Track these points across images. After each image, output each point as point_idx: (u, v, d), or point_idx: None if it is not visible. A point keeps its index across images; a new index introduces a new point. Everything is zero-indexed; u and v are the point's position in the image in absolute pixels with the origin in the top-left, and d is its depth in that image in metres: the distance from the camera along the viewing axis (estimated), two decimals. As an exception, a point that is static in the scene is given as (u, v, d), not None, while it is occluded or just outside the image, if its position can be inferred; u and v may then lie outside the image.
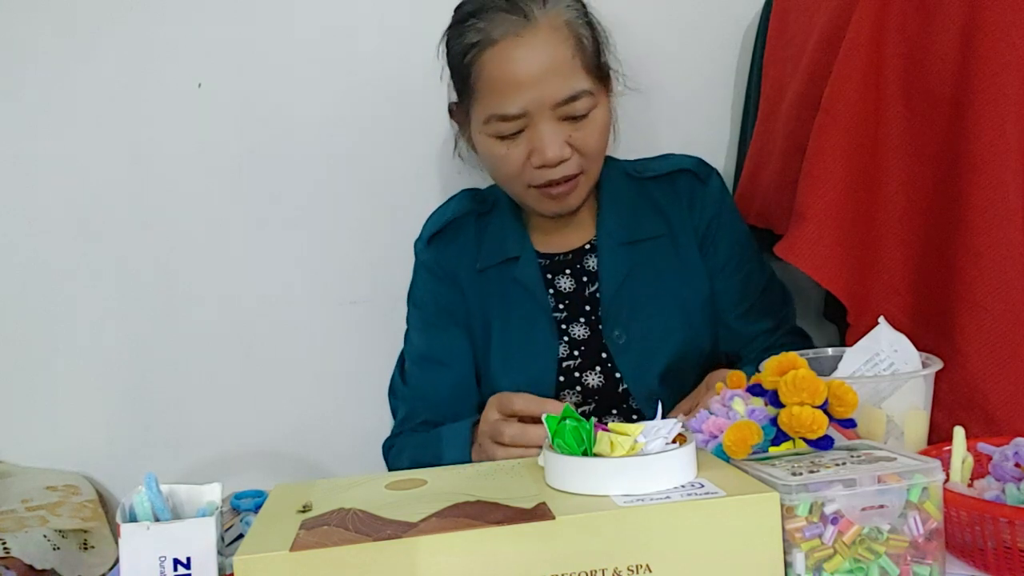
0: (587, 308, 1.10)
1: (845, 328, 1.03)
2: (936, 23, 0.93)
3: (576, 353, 1.09)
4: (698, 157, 1.15)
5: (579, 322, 1.09)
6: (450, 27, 1.05)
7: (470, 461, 0.97)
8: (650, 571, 0.58)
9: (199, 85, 1.30)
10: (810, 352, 0.89)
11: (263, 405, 1.34)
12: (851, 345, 0.86)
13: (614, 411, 1.09)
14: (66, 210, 1.30)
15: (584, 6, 1.04)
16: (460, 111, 1.09)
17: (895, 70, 0.98)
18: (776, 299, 1.15)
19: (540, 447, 0.87)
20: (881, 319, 0.86)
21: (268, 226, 1.32)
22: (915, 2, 0.95)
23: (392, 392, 1.23)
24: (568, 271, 1.11)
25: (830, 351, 0.90)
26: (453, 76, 1.06)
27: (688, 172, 1.12)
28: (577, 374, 1.08)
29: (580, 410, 1.09)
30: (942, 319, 0.95)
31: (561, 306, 1.10)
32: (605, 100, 1.05)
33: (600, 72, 1.04)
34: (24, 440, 1.31)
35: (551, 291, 1.10)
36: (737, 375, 0.79)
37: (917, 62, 0.96)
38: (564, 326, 1.09)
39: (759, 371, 0.78)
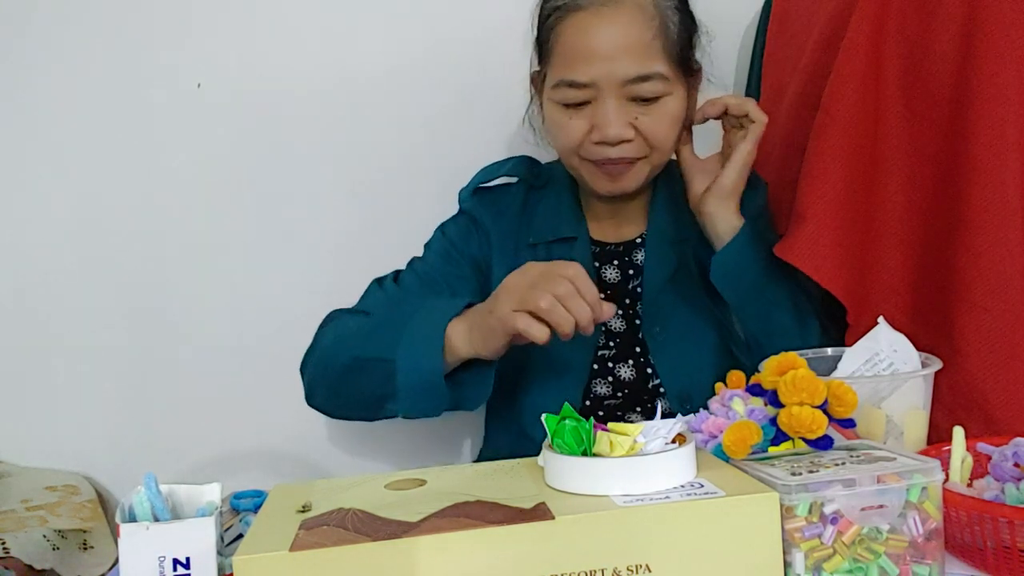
0: (627, 301, 1.09)
1: (845, 328, 1.03)
2: (936, 23, 0.93)
3: (612, 344, 1.07)
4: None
5: (617, 315, 1.08)
6: None
7: (439, 333, 0.90)
8: (649, 571, 0.58)
9: (199, 85, 1.30)
10: (810, 352, 0.89)
11: (263, 405, 1.34)
12: (851, 345, 0.86)
13: (638, 408, 1.06)
14: (66, 210, 1.30)
15: None
16: (538, 78, 1.08)
17: (895, 70, 0.98)
18: (805, 302, 1.09)
19: (576, 329, 0.84)
20: (880, 319, 0.86)
21: (268, 226, 1.32)
22: (915, 2, 0.95)
23: (377, 281, 1.13)
24: (616, 262, 1.10)
25: (830, 351, 0.90)
26: (538, 38, 1.05)
27: None
28: (611, 364, 1.07)
29: (607, 403, 1.06)
30: (941, 319, 0.95)
31: (603, 296, 1.05)
32: (682, 91, 1.03)
33: (683, 62, 1.03)
34: (24, 440, 1.31)
35: (595, 279, 1.06)
36: (737, 375, 0.80)
37: (917, 62, 0.96)
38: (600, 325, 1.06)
39: (759, 370, 0.78)
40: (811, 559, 0.59)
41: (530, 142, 1.16)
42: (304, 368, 1.07)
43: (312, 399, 1.07)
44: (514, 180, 1.14)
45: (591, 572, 0.57)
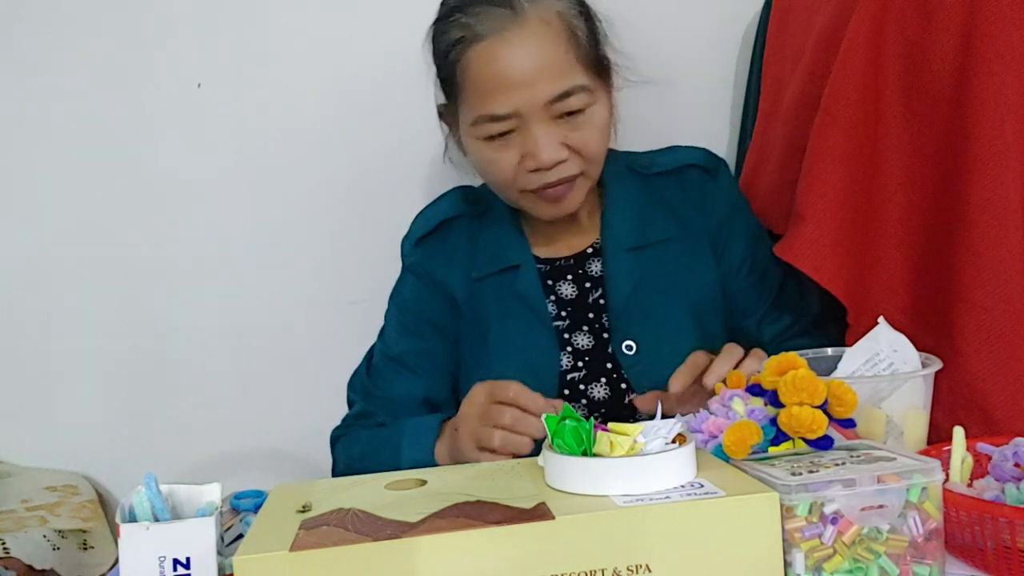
0: (591, 316, 1.04)
1: (844, 328, 1.03)
2: (936, 23, 0.93)
3: (580, 364, 1.03)
4: (704, 148, 1.09)
5: (582, 331, 1.04)
6: (434, 23, 1.00)
7: (430, 459, 0.93)
8: (649, 571, 0.58)
9: (199, 85, 1.30)
10: (810, 352, 0.89)
11: (263, 405, 1.34)
12: (850, 345, 0.86)
13: None
14: (66, 210, 1.30)
15: None
16: (449, 112, 1.04)
17: (895, 70, 0.98)
18: (794, 293, 1.08)
19: (535, 440, 0.85)
20: (880, 319, 0.86)
21: (267, 226, 1.32)
22: (915, 2, 0.95)
23: (352, 385, 1.16)
24: (570, 276, 1.05)
25: (829, 351, 0.90)
26: (439, 75, 1.01)
27: (696, 167, 1.07)
28: (582, 387, 1.02)
29: (594, 410, 1.03)
30: (941, 319, 0.95)
31: (563, 314, 1.04)
32: (605, 97, 0.99)
33: (599, 67, 0.98)
34: (24, 440, 1.31)
35: (552, 298, 1.05)
36: (737, 375, 0.79)
37: (917, 62, 0.96)
38: (567, 335, 1.03)
39: (759, 371, 0.78)
40: (811, 559, 0.59)
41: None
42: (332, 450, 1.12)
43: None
44: (448, 219, 1.09)
45: (591, 572, 0.57)
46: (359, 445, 1.05)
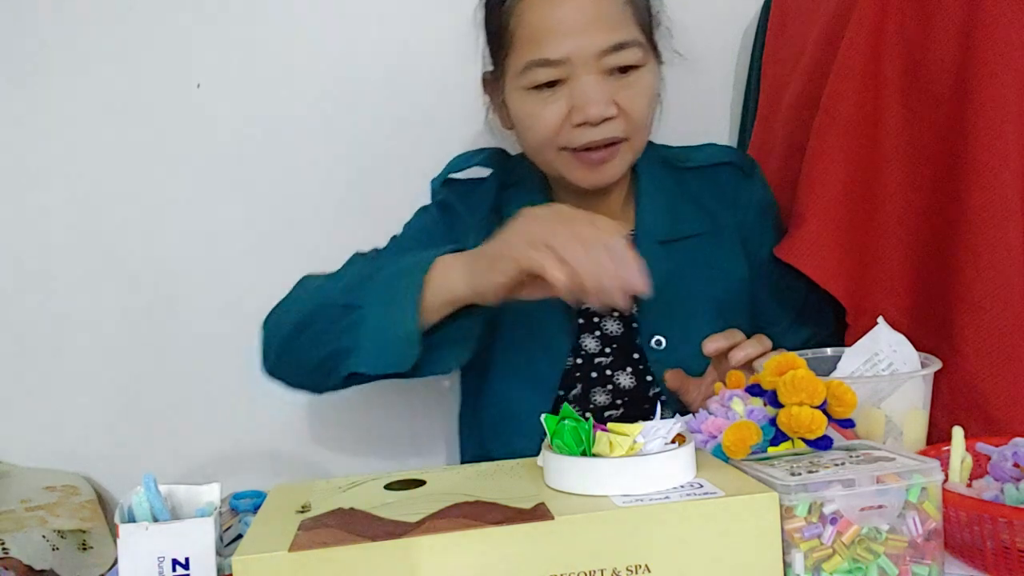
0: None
1: (844, 328, 1.03)
2: (936, 23, 0.93)
3: (608, 350, 1.02)
4: (737, 149, 1.08)
5: (612, 317, 1.02)
6: None
7: (419, 275, 0.82)
8: (649, 571, 0.58)
9: (199, 85, 1.30)
10: (809, 352, 0.89)
11: (263, 405, 1.33)
12: (850, 345, 0.86)
13: (639, 420, 1.02)
14: (65, 210, 1.30)
15: None
16: (493, 79, 1.02)
17: (895, 70, 0.98)
18: (816, 303, 1.05)
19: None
20: (880, 319, 0.86)
21: (267, 225, 1.32)
22: (915, 2, 0.95)
23: (346, 263, 1.04)
24: None
25: (829, 351, 0.90)
26: (489, 33, 1.00)
27: (731, 165, 1.06)
28: (608, 372, 1.01)
29: (607, 414, 1.02)
30: (941, 319, 0.95)
31: (575, 309, 1.02)
32: (654, 65, 0.98)
33: (651, 33, 0.97)
34: (23, 440, 1.31)
35: None
36: (736, 375, 0.79)
37: (917, 62, 0.96)
38: (596, 319, 1.02)
39: (758, 371, 0.78)
40: (811, 559, 0.59)
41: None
42: (263, 327, 0.98)
43: (265, 361, 0.98)
44: (486, 174, 1.06)
45: (591, 572, 0.57)
46: (324, 277, 0.95)
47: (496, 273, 0.79)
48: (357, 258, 1.03)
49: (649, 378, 1.02)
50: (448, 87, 1.32)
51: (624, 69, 0.93)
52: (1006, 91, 0.88)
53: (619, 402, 1.02)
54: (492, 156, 1.08)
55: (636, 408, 1.02)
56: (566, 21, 0.91)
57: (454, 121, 1.32)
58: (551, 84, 0.93)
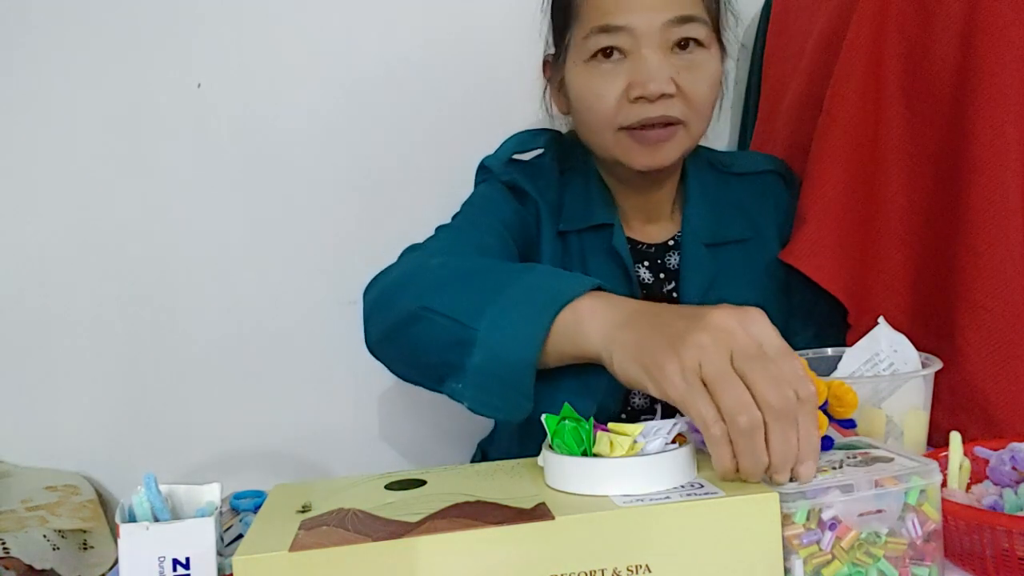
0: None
1: (845, 328, 1.03)
2: (936, 23, 0.93)
3: None
4: (782, 159, 1.09)
5: None
6: None
7: (540, 330, 0.66)
8: (649, 571, 0.58)
9: (199, 85, 1.30)
10: (810, 352, 0.89)
11: (263, 405, 1.34)
12: (851, 345, 0.86)
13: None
14: (66, 210, 1.30)
15: None
16: (554, 61, 1.00)
17: (895, 70, 0.98)
18: (838, 326, 1.04)
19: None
20: (881, 319, 0.86)
21: (267, 225, 1.32)
22: (915, 2, 0.95)
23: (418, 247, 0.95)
24: (647, 263, 1.03)
25: (830, 351, 0.90)
26: (554, 11, 0.98)
27: (775, 173, 1.07)
28: None
29: (643, 418, 0.99)
30: (942, 319, 0.95)
31: (639, 295, 1.01)
32: (718, 51, 0.96)
33: (718, 18, 0.96)
34: (24, 440, 1.31)
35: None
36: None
37: (917, 62, 0.96)
38: None
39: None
40: (810, 565, 0.59)
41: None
42: (366, 294, 0.88)
43: (368, 338, 0.87)
44: (541, 155, 1.04)
45: (591, 572, 0.57)
46: (438, 261, 0.82)
47: (636, 366, 0.63)
48: (460, 239, 0.91)
49: None
50: (450, 87, 1.32)
51: (686, 45, 0.92)
52: (1006, 91, 0.88)
53: (657, 406, 1.01)
54: (552, 139, 1.05)
55: (672, 410, 1.01)
56: None
57: (456, 121, 1.32)
58: (610, 55, 0.91)
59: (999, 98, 0.89)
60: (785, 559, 0.59)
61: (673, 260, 1.04)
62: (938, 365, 0.83)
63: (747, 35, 1.35)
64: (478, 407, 0.72)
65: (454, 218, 1.00)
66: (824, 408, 0.69)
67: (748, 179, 1.07)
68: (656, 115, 0.91)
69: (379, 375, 1.28)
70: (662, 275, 1.03)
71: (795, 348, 0.92)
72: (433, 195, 1.29)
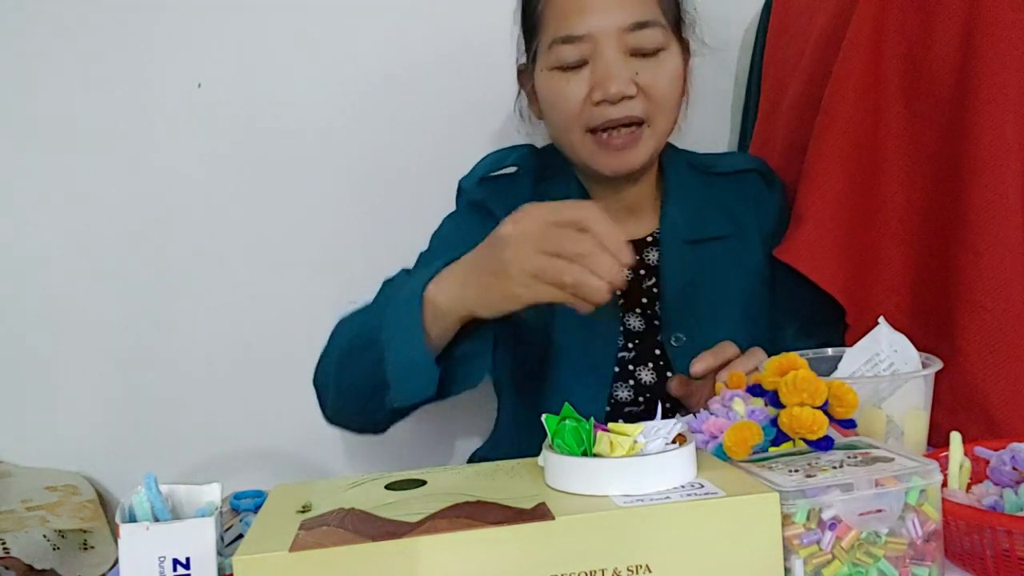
0: (644, 301, 1.04)
1: (845, 328, 1.03)
2: (936, 23, 0.93)
3: (631, 346, 1.03)
4: (763, 159, 1.11)
5: (635, 314, 1.03)
6: None
7: (418, 298, 0.80)
8: (650, 571, 0.58)
9: (199, 85, 1.30)
10: (810, 352, 0.89)
11: (263, 405, 1.34)
12: (851, 345, 0.86)
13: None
14: (66, 210, 1.30)
15: None
16: (526, 70, 1.04)
17: (895, 70, 0.98)
18: (827, 315, 1.05)
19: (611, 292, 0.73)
20: (881, 319, 0.86)
21: (267, 225, 1.32)
22: (915, 2, 0.95)
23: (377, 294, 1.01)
24: None
25: (830, 351, 0.90)
26: (523, 22, 1.02)
27: (756, 173, 1.08)
28: (631, 367, 1.02)
29: (628, 409, 1.03)
30: (942, 319, 0.95)
31: (618, 293, 1.03)
32: (678, 50, 0.99)
33: (676, 20, 0.99)
34: (24, 440, 1.31)
35: None
36: (737, 375, 0.79)
37: (917, 62, 0.96)
38: (621, 314, 1.03)
39: (759, 371, 0.78)
40: (810, 565, 0.59)
41: (527, 134, 1.13)
42: (313, 382, 0.99)
43: (324, 412, 0.99)
44: (515, 171, 1.07)
45: (591, 572, 0.57)
46: (353, 313, 0.93)
47: (494, 304, 0.79)
48: (385, 286, 1.00)
49: (670, 374, 1.02)
50: (450, 86, 1.32)
51: (646, 54, 0.95)
52: (1006, 91, 0.88)
53: (641, 399, 1.03)
54: (525, 155, 1.09)
55: (672, 411, 1.02)
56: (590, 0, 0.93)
57: (457, 121, 1.32)
58: (573, 62, 0.95)
59: (999, 98, 0.89)
60: (785, 559, 0.59)
61: (652, 256, 1.06)
62: (938, 365, 0.83)
63: (747, 35, 1.35)
64: (406, 400, 0.83)
65: (420, 255, 1.07)
66: (824, 408, 0.69)
67: (729, 178, 1.08)
68: (619, 116, 0.94)
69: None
70: (642, 271, 1.05)
71: (783, 342, 0.99)
72: (433, 195, 1.29)
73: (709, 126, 1.37)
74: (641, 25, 0.94)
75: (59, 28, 1.28)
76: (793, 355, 0.73)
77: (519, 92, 1.09)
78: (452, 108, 1.32)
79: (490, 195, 1.05)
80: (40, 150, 1.30)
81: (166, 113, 1.30)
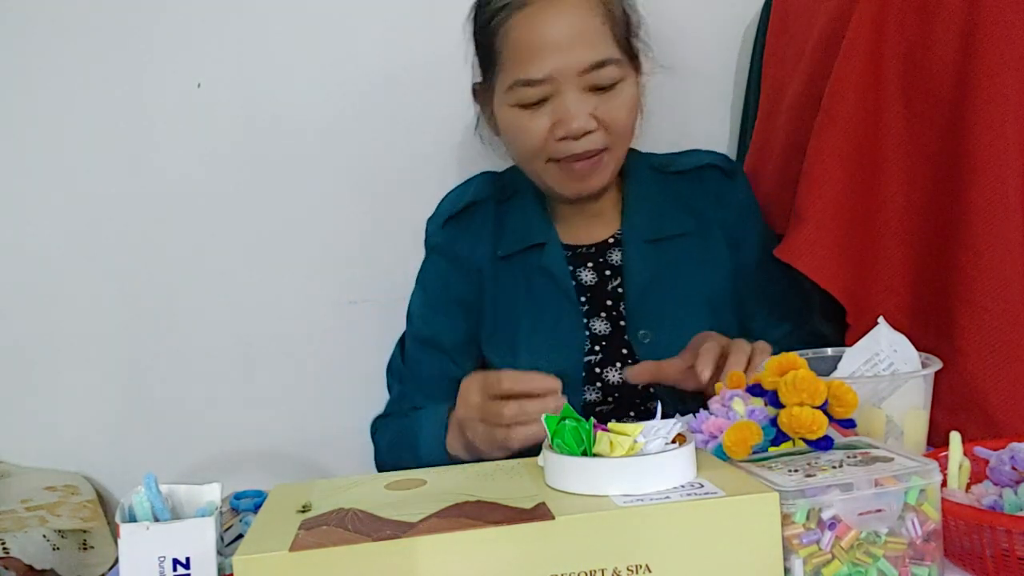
0: (608, 303, 1.07)
1: (845, 328, 1.03)
2: (936, 23, 0.93)
3: (597, 348, 1.06)
4: (723, 153, 1.13)
5: (600, 317, 1.07)
6: None
7: (443, 454, 0.95)
8: (649, 571, 0.58)
9: (199, 85, 1.30)
10: (810, 352, 0.89)
11: (263, 405, 1.34)
12: (851, 345, 0.86)
13: (632, 413, 1.06)
14: (66, 210, 1.30)
15: None
16: (483, 90, 1.07)
17: (895, 70, 0.98)
18: (797, 300, 1.10)
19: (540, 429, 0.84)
20: (880, 319, 0.86)
21: (267, 225, 1.32)
22: (915, 2, 0.95)
23: (390, 369, 1.19)
24: (590, 264, 1.09)
25: (830, 351, 0.90)
26: (478, 48, 1.04)
27: (715, 168, 1.11)
28: (598, 370, 1.05)
29: (598, 408, 1.05)
30: (942, 319, 0.95)
31: (582, 299, 1.07)
32: (634, 78, 1.03)
33: (630, 49, 1.02)
34: (24, 440, 1.31)
35: (573, 283, 1.08)
36: (737, 375, 0.79)
37: (917, 62, 0.96)
38: (585, 320, 1.07)
39: (759, 371, 0.78)
40: (810, 565, 0.59)
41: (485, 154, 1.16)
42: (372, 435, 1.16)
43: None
44: (474, 203, 1.12)
45: (591, 572, 0.57)
46: (389, 435, 1.09)
47: (461, 456, 0.95)
48: (394, 383, 1.16)
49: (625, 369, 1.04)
50: (451, 86, 1.32)
51: (604, 88, 0.98)
52: (1006, 91, 0.88)
53: (610, 399, 1.05)
54: (481, 184, 1.14)
55: (628, 403, 1.06)
56: (548, 41, 0.96)
57: (458, 122, 1.32)
58: (537, 103, 0.98)
59: (999, 98, 0.88)
60: (785, 559, 0.59)
61: (615, 257, 1.09)
62: (938, 365, 0.83)
63: (747, 35, 1.35)
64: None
65: (412, 301, 1.16)
66: (824, 408, 0.69)
67: (688, 176, 1.11)
68: (581, 150, 0.99)
69: (379, 374, 1.28)
70: (607, 272, 1.08)
71: (752, 330, 1.03)
72: (433, 195, 1.29)
73: (709, 126, 1.37)
74: (599, 65, 0.97)
75: (59, 28, 1.28)
76: (793, 355, 0.73)
77: (477, 113, 1.12)
78: (452, 108, 1.32)
79: (454, 237, 1.11)
80: (40, 150, 1.30)
81: (166, 113, 1.30)
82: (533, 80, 0.97)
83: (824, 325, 1.11)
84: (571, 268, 1.08)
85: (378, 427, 1.14)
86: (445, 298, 1.11)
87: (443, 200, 1.15)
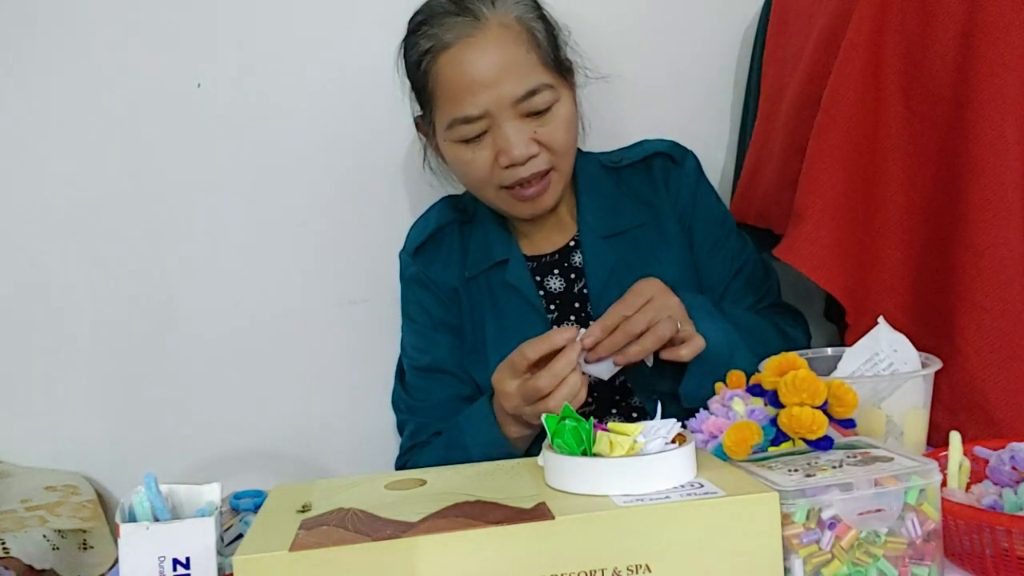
0: (577, 305, 1.09)
1: (845, 328, 1.03)
2: (936, 23, 0.93)
3: None
4: (672, 140, 1.14)
5: (570, 321, 1.09)
6: (404, 39, 1.05)
7: (501, 439, 0.96)
8: (649, 571, 0.58)
9: (199, 85, 1.30)
10: (810, 352, 0.89)
11: (263, 405, 1.34)
12: (851, 345, 0.86)
13: (614, 410, 1.08)
14: (65, 210, 1.30)
15: (535, 1, 1.04)
16: (424, 123, 1.09)
17: (895, 70, 0.98)
18: (758, 273, 1.13)
19: (578, 377, 0.88)
20: (880, 319, 0.86)
21: (267, 226, 1.32)
22: (915, 2, 0.95)
23: (396, 406, 1.19)
24: (556, 271, 1.11)
25: (830, 351, 0.90)
26: (413, 87, 1.06)
27: (662, 155, 1.12)
28: None
29: (580, 410, 1.06)
30: (941, 319, 0.95)
31: (552, 307, 1.10)
32: (568, 94, 1.04)
33: (559, 66, 1.03)
34: (24, 440, 1.31)
35: (541, 292, 1.10)
36: (737, 375, 0.80)
37: (917, 62, 0.96)
38: (556, 327, 1.07)
39: (759, 370, 0.78)
40: (810, 565, 0.59)
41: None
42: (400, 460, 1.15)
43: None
44: (439, 230, 1.14)
45: (591, 572, 0.57)
46: (435, 455, 1.06)
47: (525, 436, 0.96)
48: (407, 418, 1.14)
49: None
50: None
51: (539, 112, 1.00)
52: (1006, 91, 0.88)
53: (590, 399, 1.07)
54: (442, 210, 1.16)
55: (605, 398, 1.07)
56: (477, 79, 0.97)
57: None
58: (476, 137, 1.00)
59: (999, 98, 0.89)
60: (785, 559, 0.59)
61: (578, 258, 1.11)
62: (938, 365, 0.83)
63: (747, 35, 1.35)
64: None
65: (403, 336, 1.17)
66: (824, 408, 0.69)
67: (636, 167, 1.13)
68: (527, 174, 1.01)
69: (378, 374, 1.28)
70: (573, 276, 1.10)
71: (721, 307, 1.03)
72: (432, 195, 1.29)
73: (709, 126, 1.37)
74: (531, 93, 0.98)
75: (59, 28, 1.28)
76: (793, 355, 0.73)
77: (423, 144, 1.14)
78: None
79: (426, 264, 1.13)
80: (40, 150, 1.29)
81: (166, 113, 1.30)
82: (470, 117, 0.99)
83: (795, 311, 1.15)
84: (539, 278, 1.10)
85: (408, 460, 1.12)
86: (432, 324, 1.13)
87: (410, 231, 1.17)
